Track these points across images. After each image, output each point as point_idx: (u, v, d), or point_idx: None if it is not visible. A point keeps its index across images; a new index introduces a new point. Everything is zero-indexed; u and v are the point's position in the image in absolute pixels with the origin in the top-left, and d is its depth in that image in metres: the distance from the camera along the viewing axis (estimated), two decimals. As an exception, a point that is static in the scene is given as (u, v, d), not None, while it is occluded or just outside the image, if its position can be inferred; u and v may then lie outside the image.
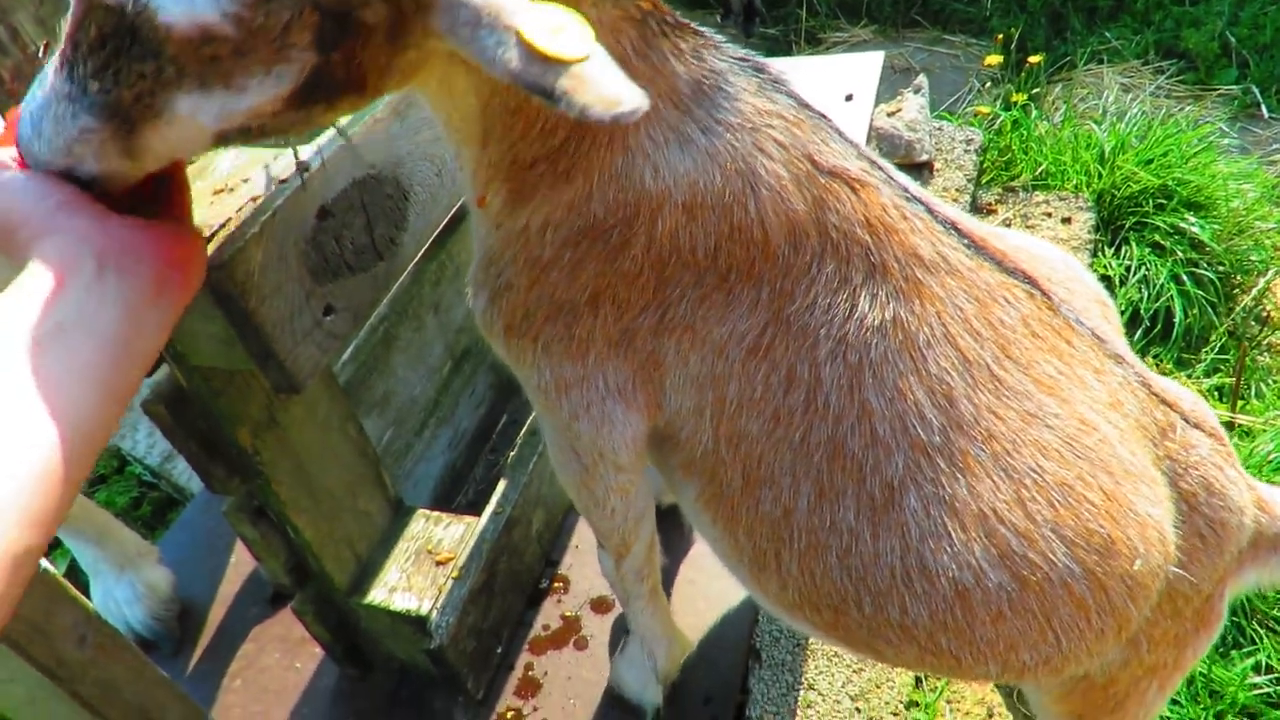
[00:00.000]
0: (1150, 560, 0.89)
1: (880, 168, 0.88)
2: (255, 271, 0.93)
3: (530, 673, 1.55)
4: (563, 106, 0.57)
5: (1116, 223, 2.79)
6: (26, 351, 0.58)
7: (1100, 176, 2.86)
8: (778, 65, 0.86)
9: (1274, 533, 1.02)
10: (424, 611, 1.37)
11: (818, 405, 0.87)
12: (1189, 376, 2.48)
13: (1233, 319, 2.64)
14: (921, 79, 3.04)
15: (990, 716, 1.68)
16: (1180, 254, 2.64)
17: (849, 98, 2.43)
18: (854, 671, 1.68)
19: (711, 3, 4.35)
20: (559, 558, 1.71)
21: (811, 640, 1.70)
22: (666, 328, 0.89)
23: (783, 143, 0.83)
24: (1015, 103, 3.29)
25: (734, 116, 0.82)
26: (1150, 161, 2.82)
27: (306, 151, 1.03)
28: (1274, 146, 3.37)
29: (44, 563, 0.90)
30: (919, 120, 2.86)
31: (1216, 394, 2.41)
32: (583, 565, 1.69)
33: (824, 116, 0.87)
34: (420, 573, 1.43)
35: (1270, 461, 2.00)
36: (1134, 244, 2.69)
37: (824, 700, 1.64)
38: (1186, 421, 0.97)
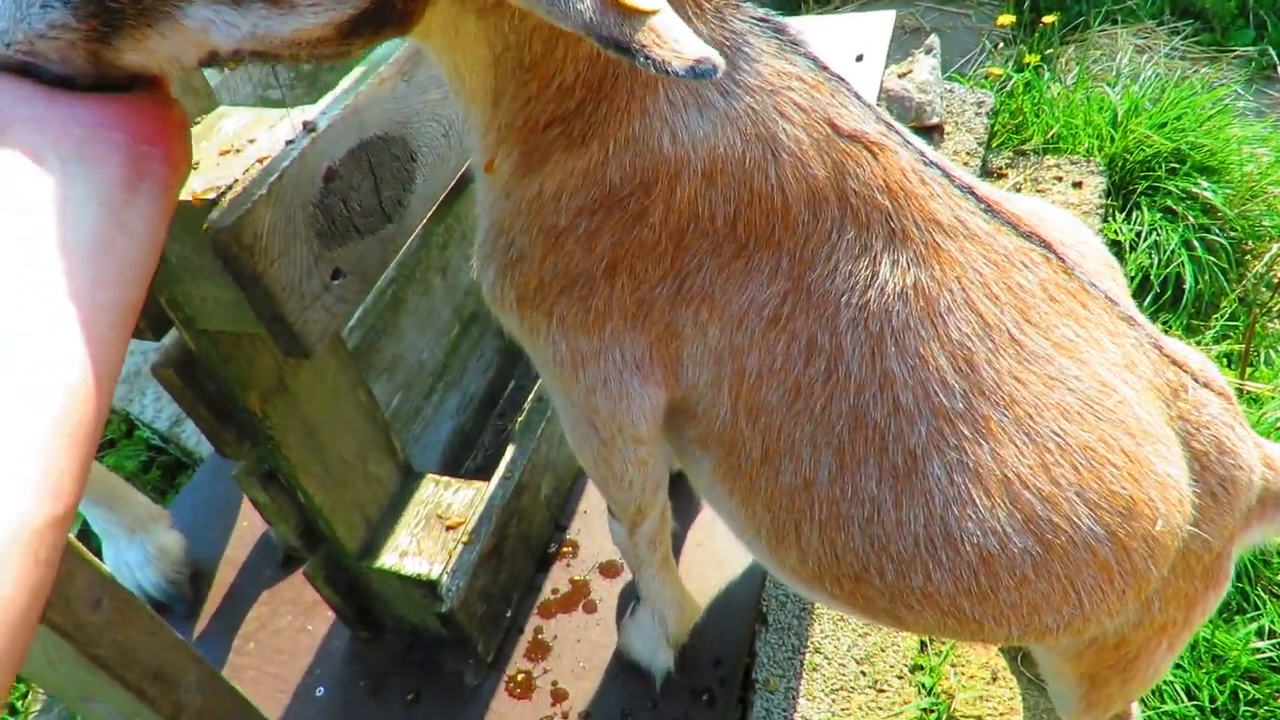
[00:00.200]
0: (1171, 521, 0.90)
1: (897, 130, 0.87)
2: (263, 234, 0.92)
3: (540, 636, 1.56)
4: (639, 61, 0.55)
5: (1128, 187, 2.76)
6: None
7: (1113, 140, 2.82)
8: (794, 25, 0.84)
9: (1278, 490, 1.02)
10: (434, 575, 1.38)
11: (839, 375, 0.86)
12: (1198, 343, 2.46)
13: (1243, 285, 2.62)
14: (933, 39, 2.99)
15: (994, 680, 1.70)
16: (1192, 219, 2.61)
17: (859, 58, 2.39)
18: (860, 635, 1.69)
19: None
20: (567, 522, 1.72)
21: (818, 605, 1.71)
22: (684, 298, 0.88)
23: (803, 106, 0.82)
24: (1028, 64, 3.23)
25: (754, 79, 0.80)
26: (1164, 125, 2.78)
27: (313, 112, 1.02)
28: (1290, 109, 3.31)
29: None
30: (930, 82, 2.81)
31: (1225, 361, 2.40)
32: (591, 530, 1.70)
33: (841, 78, 0.85)
34: (430, 537, 1.43)
35: (1278, 429, 1.99)
36: (1145, 209, 2.66)
37: (829, 663, 1.65)
38: (1196, 381, 0.97)
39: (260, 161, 0.95)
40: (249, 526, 1.79)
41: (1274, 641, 1.73)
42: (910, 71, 2.85)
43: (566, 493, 1.75)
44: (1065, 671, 1.13)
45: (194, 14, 0.55)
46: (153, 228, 0.57)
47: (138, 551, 1.65)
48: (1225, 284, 2.59)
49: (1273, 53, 3.54)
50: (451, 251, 1.79)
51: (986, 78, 3.30)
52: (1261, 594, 1.80)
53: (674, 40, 0.55)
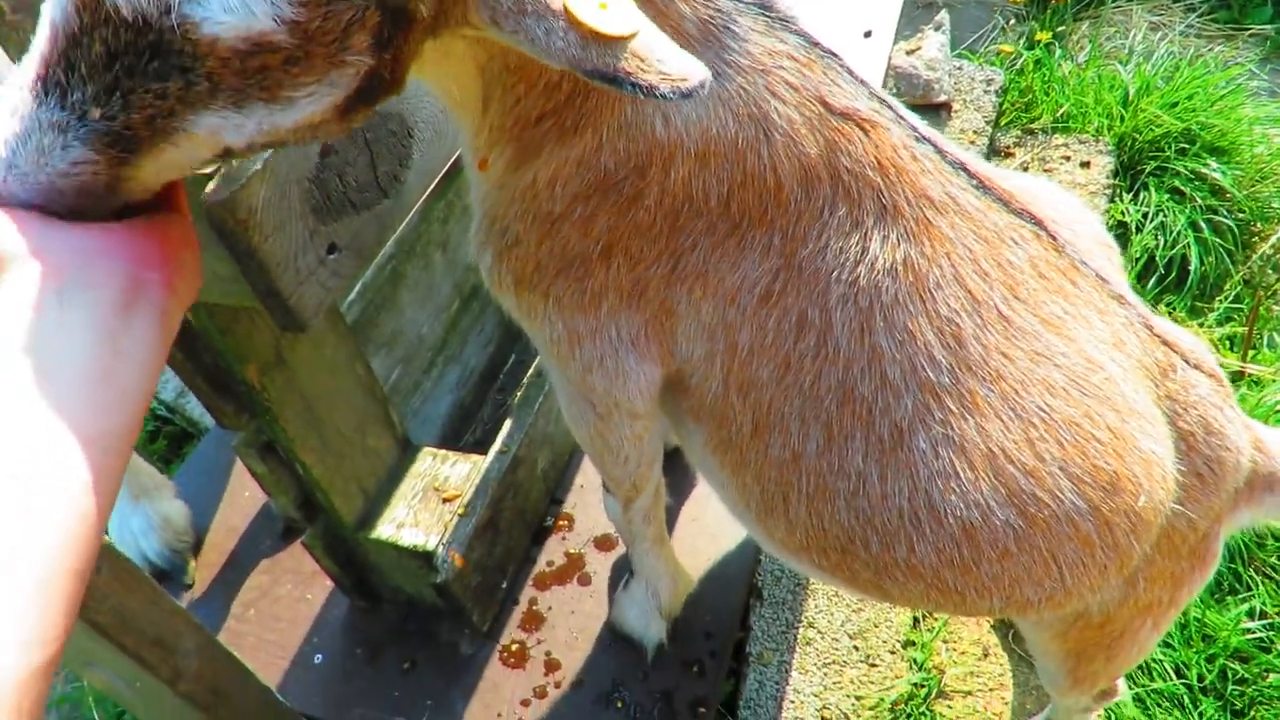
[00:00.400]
0: (1154, 496, 0.90)
1: (890, 106, 0.87)
2: (258, 209, 0.93)
3: (534, 607, 1.58)
4: (627, 90, 0.56)
5: (1136, 167, 2.73)
6: None
7: (1122, 119, 2.79)
8: (787, 1, 0.84)
9: (1269, 472, 1.03)
10: (430, 547, 1.40)
11: (828, 350, 0.87)
12: (1201, 325, 2.45)
13: (1249, 267, 2.60)
14: (943, 15, 2.95)
15: (985, 656, 1.72)
16: (1200, 200, 2.59)
17: (868, 34, 2.36)
18: (853, 610, 1.71)
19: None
20: (563, 496, 1.74)
21: (812, 580, 1.73)
22: (679, 277, 0.89)
23: (794, 85, 0.82)
24: (1039, 41, 3.19)
25: (744, 59, 0.80)
26: (1175, 104, 2.75)
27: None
28: (1304, 90, 3.26)
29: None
30: (939, 59, 2.78)
31: (1228, 343, 2.39)
32: (587, 504, 1.72)
33: (833, 55, 0.85)
34: (427, 509, 1.45)
35: (1277, 412, 1.99)
36: (1153, 189, 2.64)
37: (823, 638, 1.67)
38: (1186, 362, 0.98)
39: (255, 135, 0.96)
40: (250, 496, 1.82)
41: (1265, 622, 1.74)
42: (919, 48, 2.81)
43: (563, 467, 1.77)
44: (1052, 648, 1.15)
45: (203, 123, 0.57)
46: (151, 351, 0.57)
47: (141, 519, 1.67)
48: (1231, 266, 2.57)
49: (1289, 31, 3.48)
50: (452, 227, 1.80)
51: (997, 55, 3.26)
52: (1254, 575, 1.80)
53: (657, 61, 0.56)
